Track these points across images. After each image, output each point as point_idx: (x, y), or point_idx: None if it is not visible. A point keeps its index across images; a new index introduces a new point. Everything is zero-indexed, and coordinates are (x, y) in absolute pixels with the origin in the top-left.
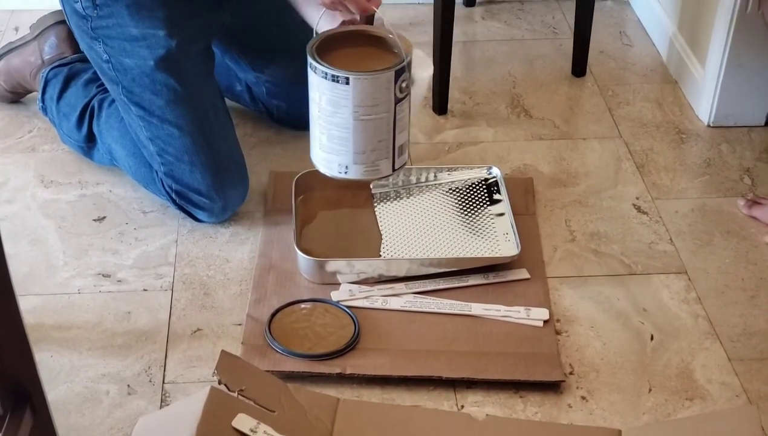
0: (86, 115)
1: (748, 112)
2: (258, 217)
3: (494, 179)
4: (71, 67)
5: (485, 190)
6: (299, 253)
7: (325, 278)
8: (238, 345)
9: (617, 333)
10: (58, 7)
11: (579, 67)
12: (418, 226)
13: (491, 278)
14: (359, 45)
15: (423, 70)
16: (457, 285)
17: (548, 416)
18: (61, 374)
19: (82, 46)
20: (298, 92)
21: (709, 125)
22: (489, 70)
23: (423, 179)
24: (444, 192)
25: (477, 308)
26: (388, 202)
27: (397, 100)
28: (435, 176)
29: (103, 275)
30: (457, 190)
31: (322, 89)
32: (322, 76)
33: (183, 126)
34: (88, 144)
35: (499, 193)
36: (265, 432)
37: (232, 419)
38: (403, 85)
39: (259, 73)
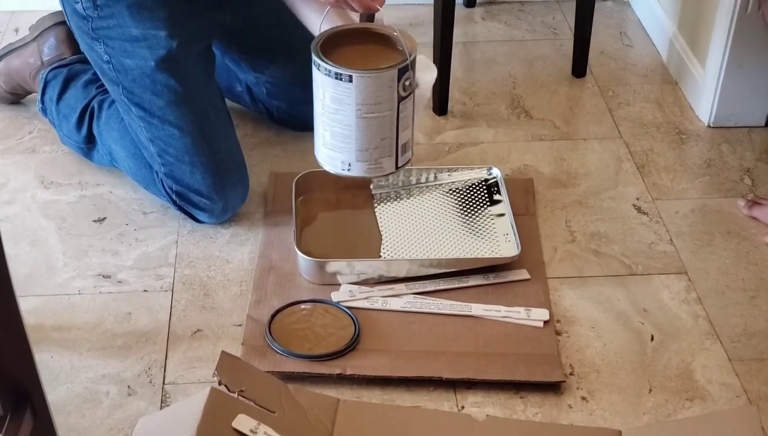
0: (86, 116)
1: (749, 112)
2: (258, 218)
3: (494, 180)
4: (71, 69)
5: (485, 191)
6: (299, 254)
7: (325, 278)
8: (238, 346)
9: (617, 334)
10: (58, 8)
11: (579, 68)
12: (419, 226)
13: (491, 279)
14: (363, 42)
15: (427, 74)
16: (457, 286)
17: (548, 416)
18: (61, 375)
19: (83, 47)
20: (298, 93)
21: (709, 126)
22: (489, 71)
23: (423, 180)
24: (444, 193)
25: (477, 309)
26: (389, 203)
27: (401, 99)
28: (435, 177)
29: (103, 276)
30: (458, 190)
31: (325, 87)
32: (326, 74)
33: (183, 127)
34: (88, 145)
35: (500, 194)
36: (265, 433)
37: (233, 420)
38: (407, 83)
39: (259, 73)
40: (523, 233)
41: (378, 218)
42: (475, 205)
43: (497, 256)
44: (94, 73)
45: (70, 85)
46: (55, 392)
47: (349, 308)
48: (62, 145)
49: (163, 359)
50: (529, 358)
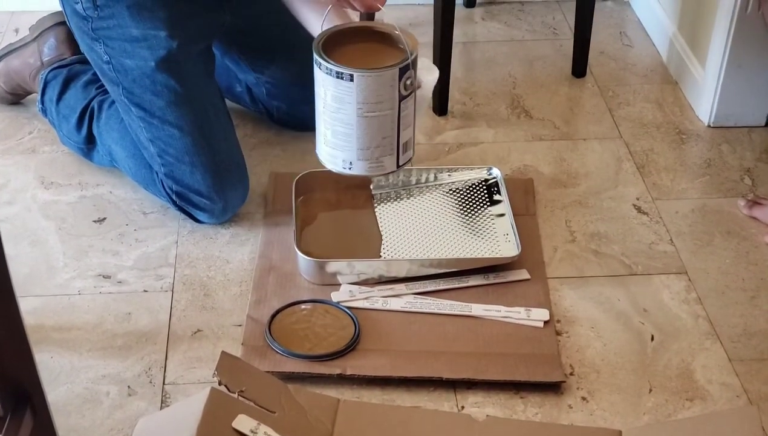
0: (86, 116)
1: (749, 112)
2: (258, 218)
3: (494, 180)
4: (70, 69)
5: (485, 191)
6: (299, 254)
7: (325, 278)
8: (238, 346)
9: (618, 334)
10: (58, 8)
11: (579, 68)
12: (419, 227)
13: (491, 279)
14: (365, 41)
15: (429, 74)
16: (457, 286)
17: (549, 416)
18: (61, 375)
19: (83, 48)
20: (298, 93)
21: (709, 126)
22: (489, 71)
23: (423, 180)
24: (444, 193)
25: (477, 309)
26: (389, 203)
27: (402, 98)
28: (435, 177)
29: (103, 276)
30: (458, 190)
31: (326, 85)
32: (327, 73)
33: (183, 127)
34: (88, 145)
35: (500, 194)
36: (265, 433)
37: (233, 420)
38: (408, 82)
39: (259, 74)
40: (523, 233)
41: (378, 218)
42: (475, 206)
43: (497, 256)
44: (94, 74)
45: (69, 85)
46: (55, 393)
47: (349, 308)
48: (62, 146)
49: (163, 359)
50: (529, 358)
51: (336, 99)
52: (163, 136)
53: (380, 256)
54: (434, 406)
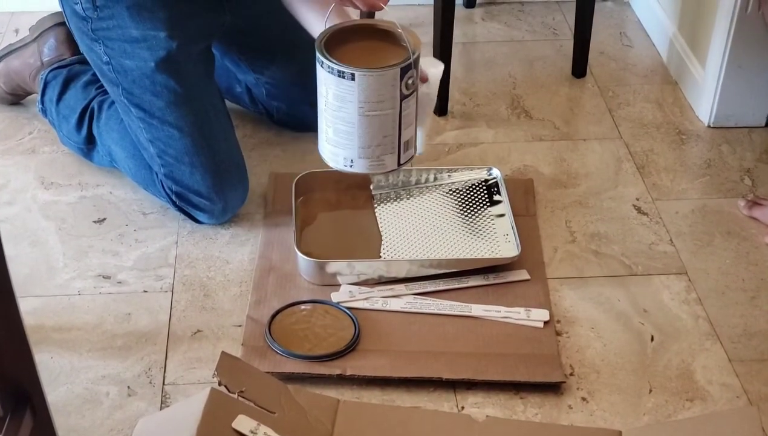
0: (86, 117)
1: (749, 112)
2: (258, 218)
3: (494, 180)
4: (70, 69)
5: (485, 192)
6: (299, 254)
7: (325, 279)
8: (238, 346)
9: (618, 334)
10: (58, 8)
11: (579, 68)
12: (418, 227)
13: (491, 279)
14: (368, 39)
15: (433, 67)
16: (457, 286)
17: (548, 417)
18: (61, 376)
19: (82, 48)
20: (298, 93)
21: (709, 126)
22: (489, 72)
23: (423, 180)
24: (444, 193)
25: (477, 309)
26: (388, 204)
27: (403, 97)
28: (435, 177)
29: (103, 277)
30: (458, 191)
31: (328, 84)
32: (329, 71)
33: (183, 127)
34: (88, 146)
35: (500, 195)
36: (265, 433)
37: (232, 421)
38: (410, 82)
39: (259, 74)
40: (523, 233)
41: (378, 218)
42: (475, 206)
43: (497, 256)
44: (94, 74)
45: (69, 85)
46: (55, 393)
47: (349, 308)
48: (62, 146)
49: (163, 359)
50: (529, 358)
51: (337, 98)
52: (162, 136)
53: (380, 256)
54: (434, 406)
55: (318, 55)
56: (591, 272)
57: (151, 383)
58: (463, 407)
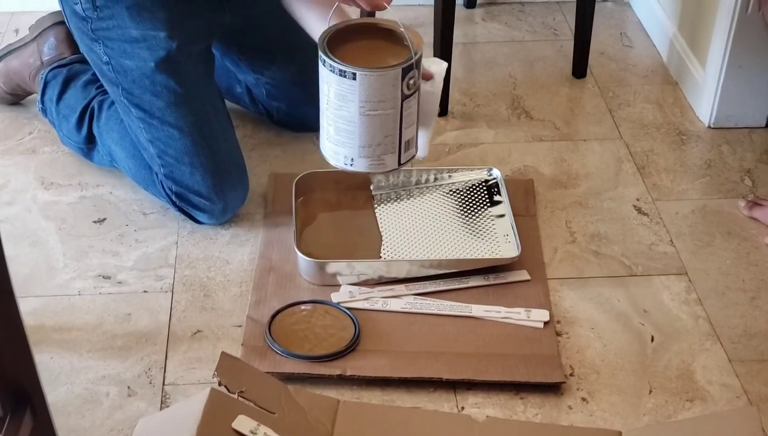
0: (86, 116)
1: (749, 113)
2: (258, 218)
3: (494, 181)
4: (70, 69)
5: (485, 192)
6: (299, 254)
7: (325, 279)
8: (238, 347)
9: (618, 334)
10: (58, 8)
11: (579, 69)
12: (419, 227)
13: (491, 280)
14: (371, 39)
15: (436, 65)
16: (457, 287)
17: (548, 417)
18: (61, 376)
19: (82, 48)
20: (298, 94)
21: (709, 126)
22: (489, 72)
23: (423, 181)
24: (444, 193)
25: (477, 310)
26: (389, 204)
27: (404, 97)
28: (435, 178)
29: (103, 277)
30: (458, 191)
31: (330, 83)
32: (331, 70)
33: (183, 127)
34: (88, 145)
35: (500, 195)
36: (265, 434)
37: (232, 421)
38: (411, 82)
39: (259, 74)
40: (523, 233)
41: (378, 218)
42: (475, 206)
43: (497, 257)
44: (94, 74)
45: (69, 85)
46: (55, 393)
47: (349, 308)
48: (62, 146)
49: (163, 359)
50: (529, 359)
51: (339, 96)
52: (162, 136)
53: (380, 257)
54: (434, 407)
55: (320, 53)
56: (591, 272)
57: (151, 383)
58: (463, 408)
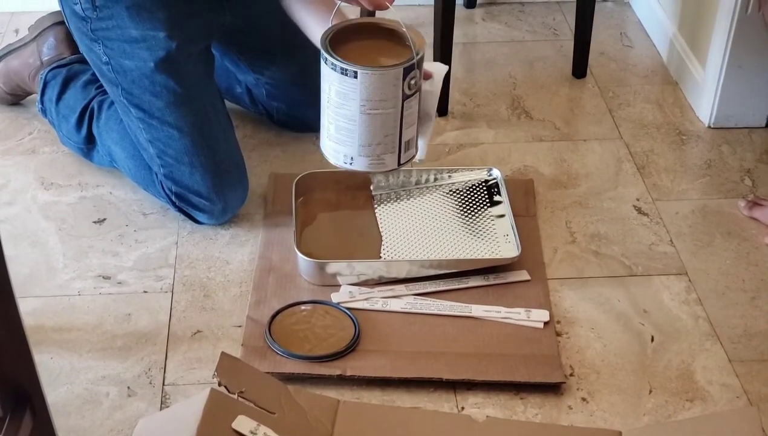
0: (85, 116)
1: (749, 113)
2: (258, 219)
3: (494, 181)
4: (70, 69)
5: (485, 192)
6: (299, 254)
7: (325, 279)
8: (238, 347)
9: (618, 334)
10: (57, 8)
11: (579, 69)
12: (419, 227)
13: (491, 280)
14: (373, 38)
15: (437, 66)
16: (457, 287)
17: (548, 417)
18: (61, 376)
19: (82, 49)
20: (298, 94)
21: (709, 126)
22: (489, 72)
23: (423, 181)
24: (444, 193)
25: (477, 310)
26: (389, 204)
27: (405, 97)
28: (435, 178)
29: (103, 277)
30: (458, 191)
31: (331, 81)
32: (332, 68)
33: (183, 128)
34: (88, 146)
35: (500, 195)
36: (265, 434)
37: (232, 421)
38: (412, 82)
39: (259, 74)
40: (523, 233)
41: (378, 218)
42: (475, 206)
43: (497, 257)
44: (94, 74)
45: (69, 85)
46: (55, 393)
47: (349, 308)
48: (62, 146)
49: (163, 360)
50: (529, 359)
51: (340, 95)
52: (162, 137)
53: (380, 257)
54: (434, 407)
55: (322, 51)
56: (591, 272)
57: (151, 383)
58: (463, 408)
